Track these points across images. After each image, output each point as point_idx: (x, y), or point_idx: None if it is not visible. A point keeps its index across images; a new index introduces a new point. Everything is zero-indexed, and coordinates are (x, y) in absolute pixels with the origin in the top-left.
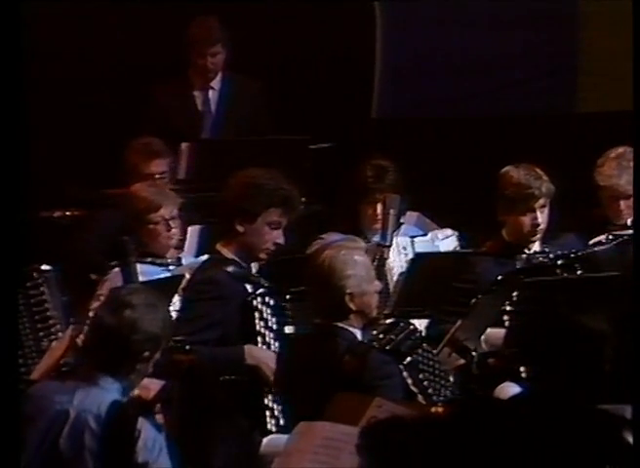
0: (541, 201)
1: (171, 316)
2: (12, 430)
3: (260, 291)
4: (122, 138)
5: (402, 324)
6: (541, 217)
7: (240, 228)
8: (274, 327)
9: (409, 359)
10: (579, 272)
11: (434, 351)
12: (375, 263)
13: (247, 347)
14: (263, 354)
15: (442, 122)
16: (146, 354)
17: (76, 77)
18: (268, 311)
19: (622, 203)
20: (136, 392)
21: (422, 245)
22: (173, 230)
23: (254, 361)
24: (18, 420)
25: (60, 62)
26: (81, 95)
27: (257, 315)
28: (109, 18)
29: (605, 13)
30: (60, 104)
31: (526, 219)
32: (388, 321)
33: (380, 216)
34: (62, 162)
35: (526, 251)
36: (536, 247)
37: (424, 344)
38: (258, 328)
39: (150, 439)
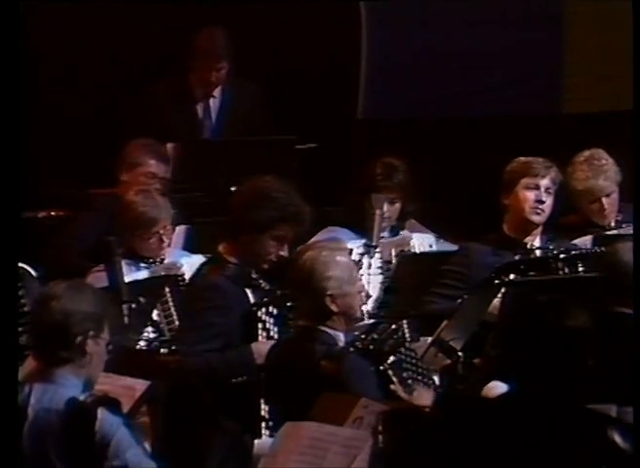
0: (547, 181)
1: (103, 295)
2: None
3: (264, 300)
4: (110, 138)
5: (383, 324)
6: (545, 197)
7: (246, 238)
8: (276, 336)
9: (392, 358)
10: (580, 269)
11: (417, 350)
12: (363, 263)
13: (254, 346)
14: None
15: (427, 123)
16: (91, 333)
17: (64, 76)
18: (271, 321)
19: (605, 201)
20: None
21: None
22: (165, 243)
23: (263, 359)
24: (11, 418)
25: (49, 61)
26: (67, 93)
27: (260, 326)
28: (103, 16)
29: (590, 13)
30: (45, 103)
31: (530, 194)
32: (370, 321)
33: (386, 214)
34: (47, 162)
35: (526, 242)
36: (536, 241)
37: (407, 343)
38: (260, 338)
39: (106, 420)
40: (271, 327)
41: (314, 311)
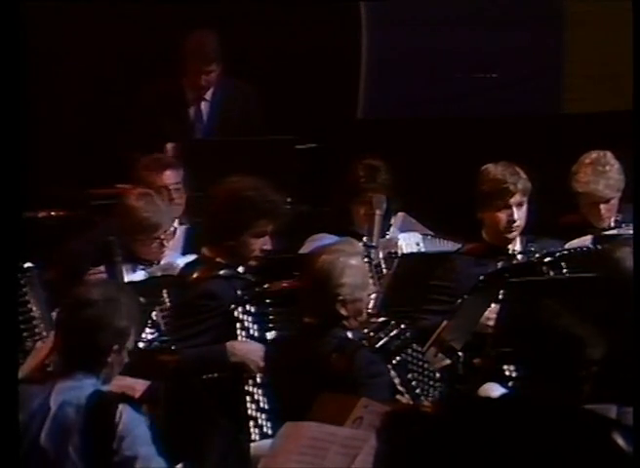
0: (517, 197)
1: (135, 302)
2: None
3: (242, 298)
4: (110, 139)
5: (392, 323)
6: (518, 214)
7: (227, 241)
8: (256, 334)
9: (398, 358)
10: (564, 270)
11: (423, 351)
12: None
13: (229, 344)
14: (247, 347)
15: (428, 122)
16: (116, 347)
17: (62, 76)
18: (250, 319)
19: (602, 207)
20: (115, 386)
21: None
22: (165, 246)
23: (237, 358)
24: (12, 420)
25: (46, 62)
26: (64, 94)
27: (238, 325)
28: (98, 16)
29: (590, 13)
30: (43, 104)
31: (502, 216)
32: (380, 319)
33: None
34: (48, 162)
35: (508, 248)
36: (517, 246)
37: (414, 344)
38: (240, 338)
39: (129, 415)
40: (250, 325)
41: (323, 312)
